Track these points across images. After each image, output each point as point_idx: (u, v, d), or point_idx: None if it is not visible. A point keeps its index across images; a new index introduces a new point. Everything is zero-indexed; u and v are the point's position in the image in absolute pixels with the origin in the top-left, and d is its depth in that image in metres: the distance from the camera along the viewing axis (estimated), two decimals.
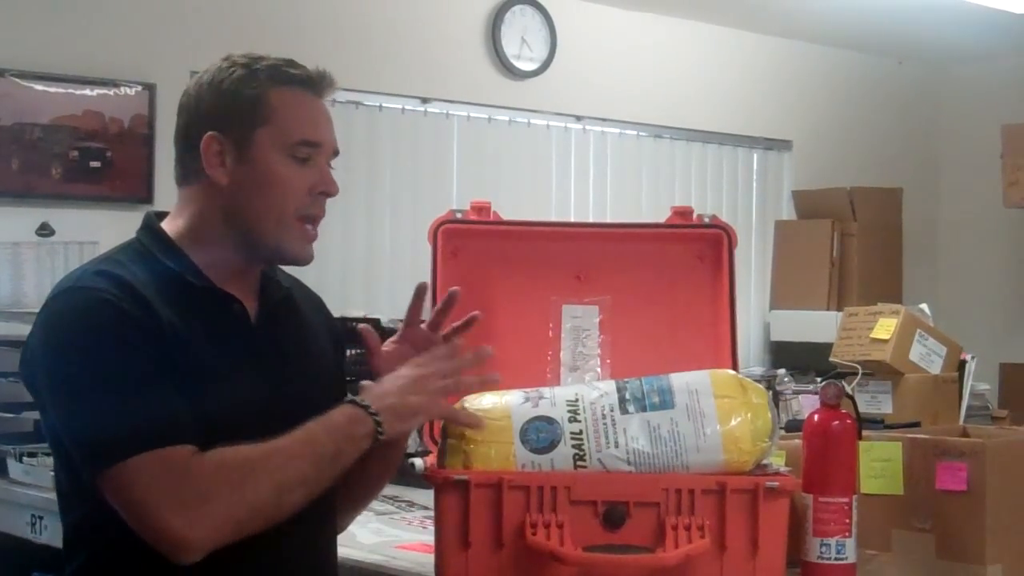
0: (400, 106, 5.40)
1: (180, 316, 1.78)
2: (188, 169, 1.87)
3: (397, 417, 1.78)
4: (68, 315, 1.77)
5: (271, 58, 1.89)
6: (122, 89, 4.54)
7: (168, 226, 1.89)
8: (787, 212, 6.69)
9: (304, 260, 1.88)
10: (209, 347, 1.80)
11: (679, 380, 1.88)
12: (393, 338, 1.99)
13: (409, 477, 3.04)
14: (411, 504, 2.86)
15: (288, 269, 2.03)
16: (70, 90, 4.44)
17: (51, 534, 3.15)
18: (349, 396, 1.80)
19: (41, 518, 3.23)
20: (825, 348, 3.39)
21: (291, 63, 1.89)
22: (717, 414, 1.84)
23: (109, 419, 1.69)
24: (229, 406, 1.78)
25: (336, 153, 1.91)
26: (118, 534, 1.72)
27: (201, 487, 1.68)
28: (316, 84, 1.88)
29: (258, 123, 1.83)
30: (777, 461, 1.99)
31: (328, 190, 1.86)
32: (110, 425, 1.69)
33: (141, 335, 1.73)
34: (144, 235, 1.89)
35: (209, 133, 1.83)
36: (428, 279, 2.12)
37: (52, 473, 3.16)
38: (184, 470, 1.68)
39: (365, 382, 1.83)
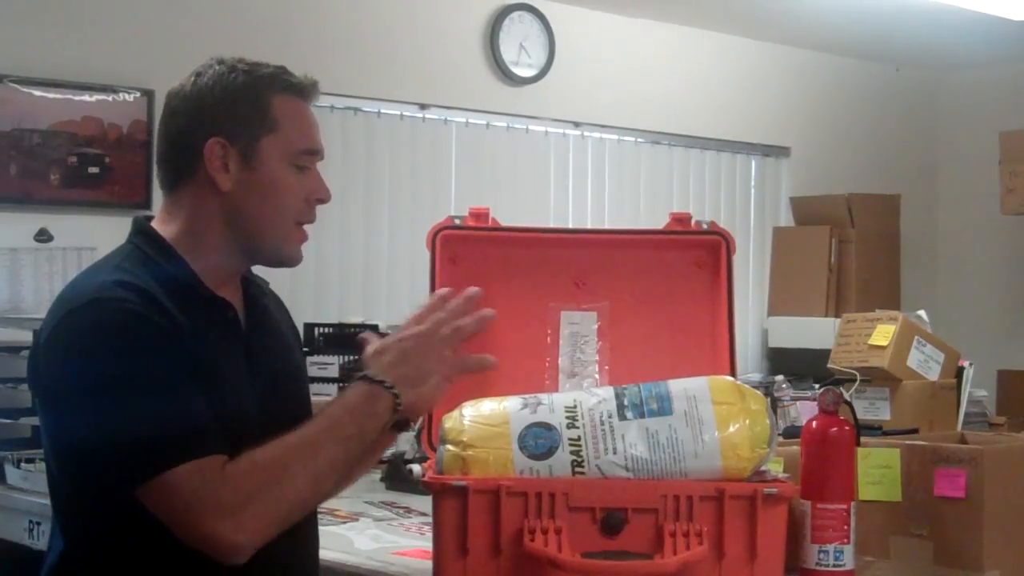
0: (398, 112, 5.40)
1: (192, 324, 1.81)
2: (182, 171, 1.87)
3: (411, 384, 1.78)
4: (98, 328, 1.75)
5: (267, 64, 1.92)
6: (120, 95, 4.54)
7: (162, 230, 1.89)
8: (785, 219, 6.70)
9: (297, 262, 1.94)
10: (215, 353, 1.83)
11: (677, 386, 1.88)
12: None
13: (407, 483, 3.05)
14: (409, 510, 2.86)
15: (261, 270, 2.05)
16: (69, 96, 4.44)
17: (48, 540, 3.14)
18: (360, 372, 1.80)
19: (39, 524, 3.22)
20: (823, 354, 3.39)
21: (285, 70, 1.92)
22: (715, 420, 1.83)
23: (148, 431, 1.70)
24: (235, 410, 1.81)
25: (323, 158, 1.95)
26: (125, 554, 1.76)
27: (241, 492, 1.69)
28: (309, 92, 1.92)
29: (264, 131, 1.86)
30: (775, 467, 1.99)
31: (323, 198, 1.91)
32: (150, 437, 1.70)
33: (170, 345, 1.75)
34: (141, 240, 1.89)
35: (214, 138, 1.84)
36: (427, 285, 2.12)
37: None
38: (222, 477, 1.70)
39: (368, 351, 1.83)
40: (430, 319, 1.83)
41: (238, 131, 1.85)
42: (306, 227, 1.93)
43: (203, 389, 1.76)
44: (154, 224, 1.90)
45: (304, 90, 1.91)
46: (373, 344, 1.84)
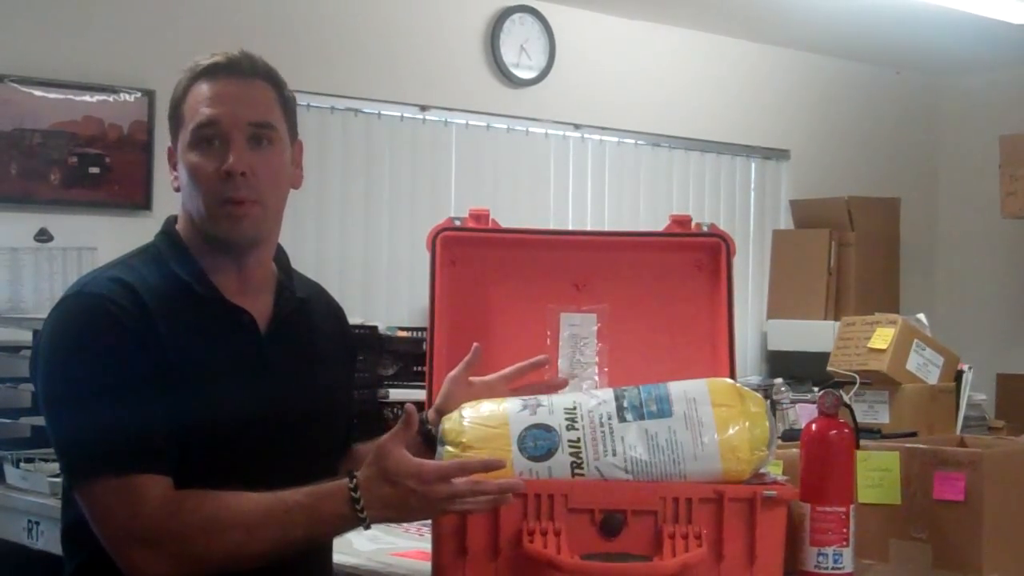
0: (399, 114, 5.40)
1: (185, 326, 1.81)
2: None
3: (393, 516, 1.76)
4: (69, 322, 1.79)
5: (206, 57, 1.90)
6: (121, 95, 4.54)
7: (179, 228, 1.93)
8: (785, 221, 6.70)
9: (236, 239, 1.87)
10: (211, 358, 1.82)
11: (677, 389, 1.88)
12: (484, 378, 2.02)
13: None
14: None
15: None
16: (69, 96, 4.44)
17: (48, 540, 3.14)
18: (352, 482, 1.72)
19: (38, 524, 3.22)
20: (822, 357, 3.38)
21: (213, 57, 1.89)
22: (715, 423, 1.84)
23: (88, 434, 1.73)
24: (230, 416, 1.80)
25: (260, 125, 1.86)
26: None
27: (155, 528, 1.71)
28: (221, 68, 1.88)
29: (179, 128, 1.89)
30: (774, 470, 1.99)
31: (226, 168, 1.83)
32: (88, 441, 1.73)
33: (137, 352, 1.76)
34: (161, 239, 1.93)
35: (168, 146, 1.93)
36: (427, 286, 2.12)
37: (49, 479, 3.18)
38: (144, 503, 1.71)
39: (385, 442, 1.73)
40: (445, 484, 1.72)
41: (172, 135, 1.91)
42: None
43: (170, 396, 1.75)
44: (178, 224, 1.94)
45: (210, 71, 1.88)
46: (393, 452, 1.72)
